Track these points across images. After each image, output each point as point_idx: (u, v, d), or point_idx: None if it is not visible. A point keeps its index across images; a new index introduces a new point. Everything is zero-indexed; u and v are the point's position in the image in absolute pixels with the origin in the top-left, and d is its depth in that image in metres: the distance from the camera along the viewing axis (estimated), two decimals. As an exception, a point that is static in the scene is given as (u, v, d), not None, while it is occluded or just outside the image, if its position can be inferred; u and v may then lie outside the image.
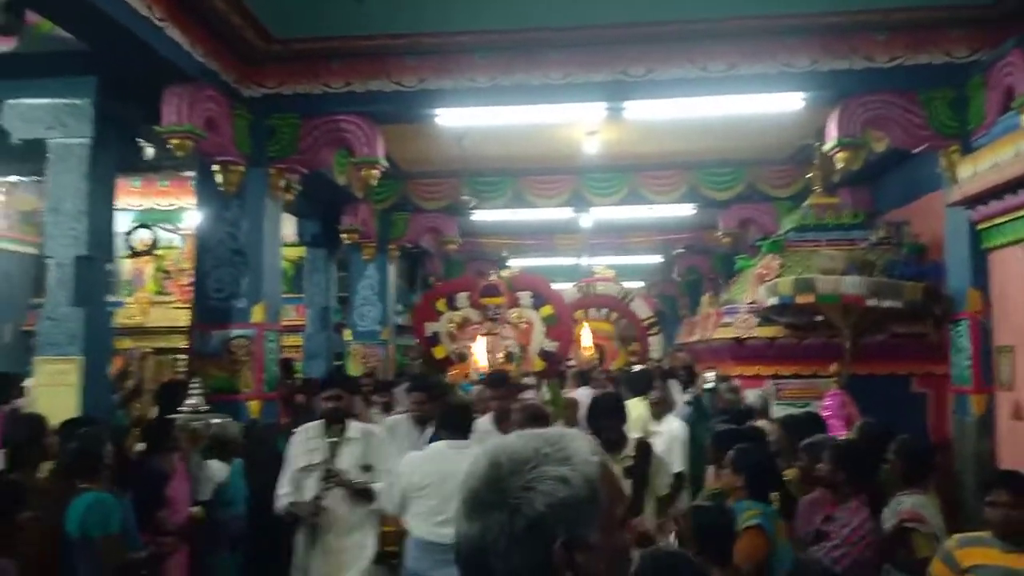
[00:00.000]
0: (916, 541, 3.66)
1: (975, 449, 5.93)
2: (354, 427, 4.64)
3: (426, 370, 8.88)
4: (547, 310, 8.40)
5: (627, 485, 3.88)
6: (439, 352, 8.51)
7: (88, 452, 3.74)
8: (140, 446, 4.61)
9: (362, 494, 4.41)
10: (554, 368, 8.40)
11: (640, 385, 6.55)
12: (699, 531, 3.12)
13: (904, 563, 3.62)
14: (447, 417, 4.29)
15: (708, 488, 4.63)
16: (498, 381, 5.65)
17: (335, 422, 4.60)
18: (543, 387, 7.64)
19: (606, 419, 4.21)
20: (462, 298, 8.64)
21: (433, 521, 3.91)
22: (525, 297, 8.44)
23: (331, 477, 4.40)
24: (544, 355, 8.24)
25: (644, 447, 4.22)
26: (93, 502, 3.56)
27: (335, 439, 4.54)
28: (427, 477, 3.98)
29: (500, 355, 7.85)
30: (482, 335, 8.13)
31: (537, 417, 4.49)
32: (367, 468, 4.48)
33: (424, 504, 3.98)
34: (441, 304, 8.75)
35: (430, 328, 8.64)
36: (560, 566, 1.06)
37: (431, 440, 4.76)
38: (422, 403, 5.64)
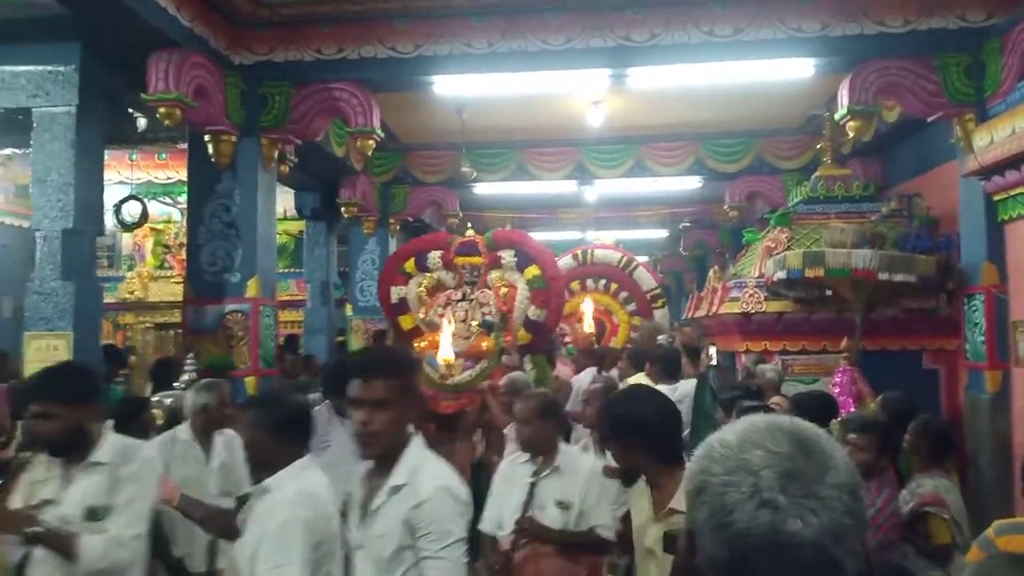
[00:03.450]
0: (934, 526, 3.53)
1: (990, 427, 5.78)
2: (107, 449, 2.90)
3: (394, 343, 7.68)
4: (532, 271, 6.85)
5: (662, 562, 2.42)
6: (406, 322, 7.12)
7: None
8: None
9: (57, 547, 2.72)
10: (541, 341, 7.07)
11: (642, 360, 6.40)
12: None
13: (925, 548, 3.48)
14: (296, 422, 2.80)
15: None
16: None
17: (56, 452, 2.88)
18: (527, 364, 6.63)
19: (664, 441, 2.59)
20: (434, 258, 7.07)
21: None
22: (508, 256, 6.89)
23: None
24: (529, 325, 6.79)
25: None
26: None
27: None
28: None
29: (474, 324, 6.58)
30: (456, 301, 6.82)
31: (548, 412, 3.63)
32: (94, 513, 2.81)
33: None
34: (410, 265, 7.19)
35: (396, 293, 7.15)
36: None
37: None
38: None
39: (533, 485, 3.50)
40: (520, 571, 3.40)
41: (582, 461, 3.70)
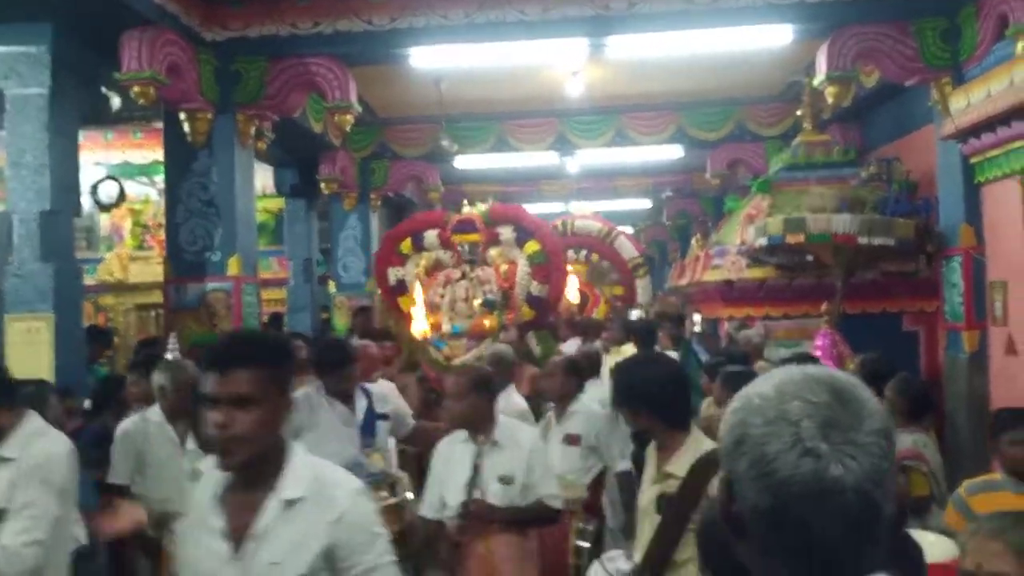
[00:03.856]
0: (913, 479, 3.62)
1: (967, 386, 5.88)
2: (13, 443, 2.63)
3: (393, 326, 7.61)
4: (532, 246, 6.77)
5: (654, 521, 2.62)
6: (406, 303, 7.01)
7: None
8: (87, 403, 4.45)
9: None
10: (545, 317, 7.03)
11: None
12: None
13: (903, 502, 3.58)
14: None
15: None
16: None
17: None
18: (531, 340, 6.61)
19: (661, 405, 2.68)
20: (431, 236, 7.01)
21: None
22: (506, 232, 6.82)
23: None
24: (532, 301, 6.72)
25: (708, 466, 2.38)
26: None
27: None
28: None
29: (476, 303, 6.55)
30: (456, 280, 6.79)
31: (482, 386, 3.51)
32: None
33: None
34: (406, 245, 7.14)
35: (394, 275, 7.10)
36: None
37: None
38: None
39: (477, 466, 3.39)
40: (469, 550, 3.34)
41: (522, 433, 3.63)
